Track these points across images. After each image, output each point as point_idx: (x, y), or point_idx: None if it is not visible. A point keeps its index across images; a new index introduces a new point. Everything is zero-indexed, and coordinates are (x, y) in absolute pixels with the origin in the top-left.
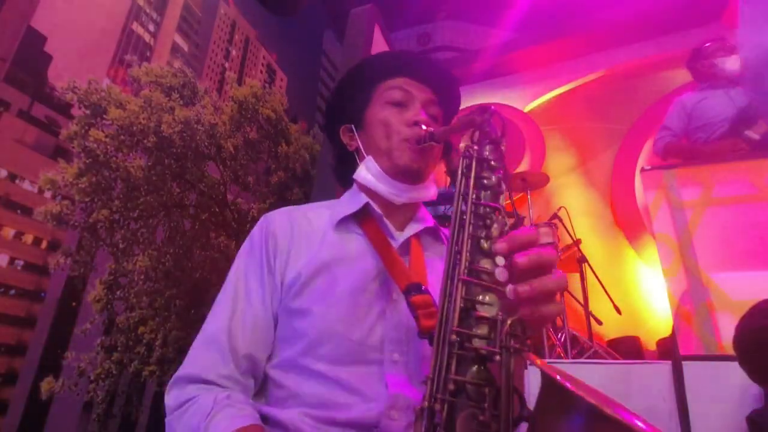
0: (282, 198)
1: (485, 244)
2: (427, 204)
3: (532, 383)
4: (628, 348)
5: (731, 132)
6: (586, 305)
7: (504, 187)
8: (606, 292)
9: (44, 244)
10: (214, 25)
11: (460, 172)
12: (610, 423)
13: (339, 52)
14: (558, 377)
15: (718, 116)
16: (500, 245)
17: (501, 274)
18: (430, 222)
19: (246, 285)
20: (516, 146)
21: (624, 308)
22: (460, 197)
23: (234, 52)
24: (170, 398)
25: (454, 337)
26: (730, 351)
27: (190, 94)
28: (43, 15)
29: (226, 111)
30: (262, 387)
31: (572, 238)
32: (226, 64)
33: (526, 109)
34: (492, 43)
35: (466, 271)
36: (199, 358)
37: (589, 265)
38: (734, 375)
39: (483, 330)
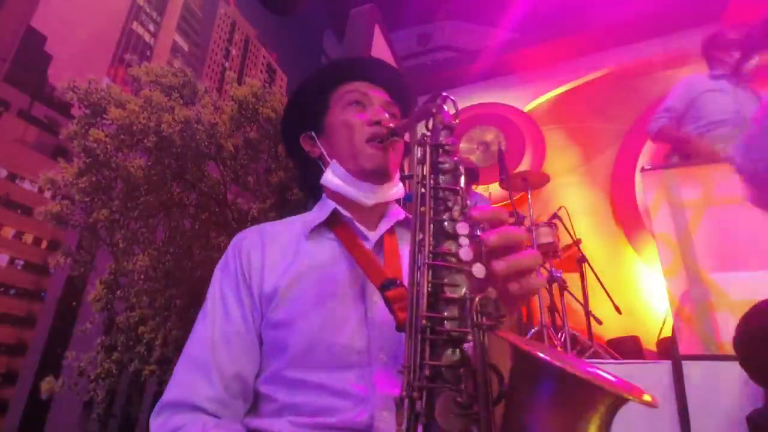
0: (282, 198)
1: (448, 227)
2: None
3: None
4: (628, 348)
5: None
6: (586, 305)
7: (462, 169)
8: (606, 291)
9: (44, 244)
10: (214, 25)
11: (416, 160)
12: (580, 383)
13: (339, 52)
14: (521, 344)
15: (717, 114)
16: (473, 213)
17: (466, 253)
18: (401, 215)
19: (224, 303)
20: (516, 146)
21: (624, 308)
22: (419, 184)
23: (234, 52)
24: (155, 427)
25: (424, 322)
26: (730, 351)
27: (190, 94)
28: (43, 15)
29: (226, 111)
30: (252, 404)
31: (572, 237)
32: (226, 64)
33: (526, 108)
34: (492, 43)
35: (430, 255)
36: (183, 381)
37: (589, 264)
38: (734, 375)
39: (453, 312)
